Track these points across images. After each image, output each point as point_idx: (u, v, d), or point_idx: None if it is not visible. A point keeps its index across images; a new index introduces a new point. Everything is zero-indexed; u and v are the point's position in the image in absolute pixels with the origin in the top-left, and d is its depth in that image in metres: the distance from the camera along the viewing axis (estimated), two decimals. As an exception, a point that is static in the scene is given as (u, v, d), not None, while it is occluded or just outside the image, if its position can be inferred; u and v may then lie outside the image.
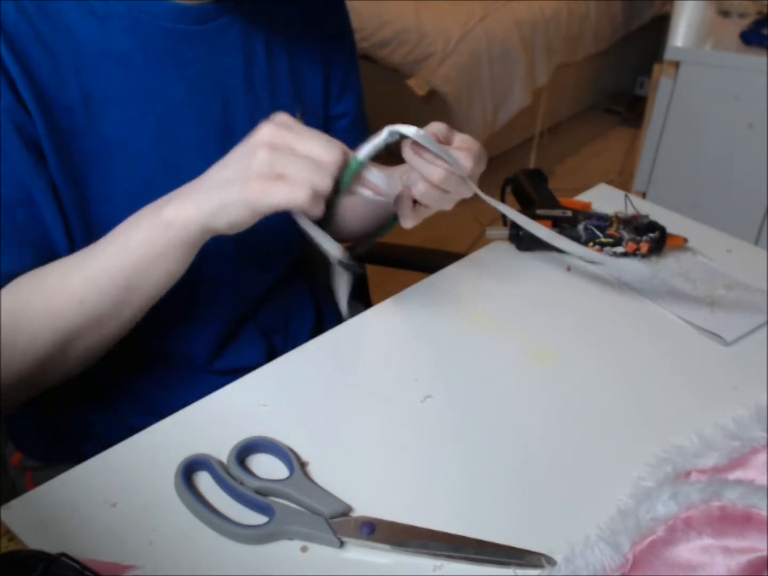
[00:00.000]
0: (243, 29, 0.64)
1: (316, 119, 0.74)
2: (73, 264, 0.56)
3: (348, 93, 0.78)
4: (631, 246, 0.74)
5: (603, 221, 0.75)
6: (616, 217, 0.76)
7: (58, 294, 0.55)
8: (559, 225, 0.76)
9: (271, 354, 0.74)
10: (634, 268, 0.75)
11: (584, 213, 0.77)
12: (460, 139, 0.60)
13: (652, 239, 0.74)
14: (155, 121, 0.60)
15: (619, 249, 0.74)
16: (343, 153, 0.51)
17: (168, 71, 0.60)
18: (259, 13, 0.66)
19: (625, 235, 0.74)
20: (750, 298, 0.71)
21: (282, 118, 0.52)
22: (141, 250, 0.53)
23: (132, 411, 0.69)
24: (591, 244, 0.75)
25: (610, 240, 0.74)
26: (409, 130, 0.54)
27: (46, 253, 0.58)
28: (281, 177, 0.49)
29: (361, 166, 0.54)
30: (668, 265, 0.76)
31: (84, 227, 0.60)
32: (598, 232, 0.74)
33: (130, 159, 0.59)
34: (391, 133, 0.55)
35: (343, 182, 0.55)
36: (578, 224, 0.75)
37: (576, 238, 0.74)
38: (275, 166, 0.49)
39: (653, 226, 0.75)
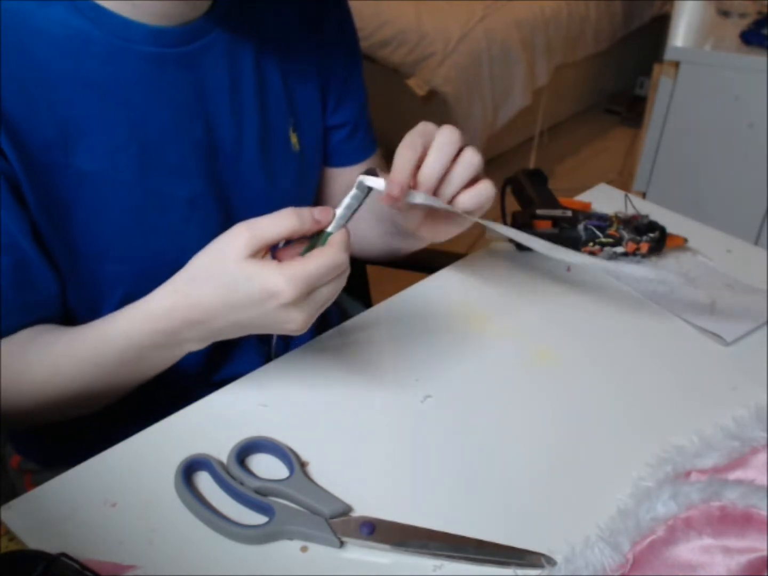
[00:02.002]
0: (228, 46, 0.62)
1: (312, 132, 0.72)
2: (82, 354, 0.56)
3: (346, 102, 0.75)
4: (631, 246, 0.74)
5: (603, 221, 0.75)
6: (616, 217, 0.76)
7: (62, 373, 0.57)
8: (559, 225, 0.76)
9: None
10: (633, 270, 0.75)
11: (584, 213, 0.77)
12: (442, 135, 0.56)
13: (652, 239, 0.74)
14: (138, 149, 0.58)
15: (619, 249, 0.74)
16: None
17: (149, 97, 0.58)
18: (249, 25, 0.64)
19: (625, 235, 0.74)
20: (750, 298, 0.71)
21: (297, 281, 0.48)
22: (153, 369, 0.58)
23: (131, 419, 0.69)
24: (591, 244, 0.75)
25: (610, 240, 0.74)
26: (378, 182, 0.51)
27: (39, 303, 0.59)
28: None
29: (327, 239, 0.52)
30: (668, 265, 0.76)
31: (70, 264, 0.59)
32: (598, 232, 0.74)
33: (113, 189, 0.58)
34: (361, 188, 0.52)
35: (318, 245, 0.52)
36: (578, 224, 0.75)
37: (576, 238, 0.74)
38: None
39: (653, 226, 0.75)
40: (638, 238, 0.74)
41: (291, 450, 0.53)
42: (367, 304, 1.01)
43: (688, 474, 0.52)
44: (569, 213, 0.76)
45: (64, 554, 0.43)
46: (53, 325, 0.60)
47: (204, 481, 0.51)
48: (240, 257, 0.48)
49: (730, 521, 0.47)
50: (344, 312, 0.91)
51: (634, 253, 0.75)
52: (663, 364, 0.64)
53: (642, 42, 2.93)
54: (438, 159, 0.56)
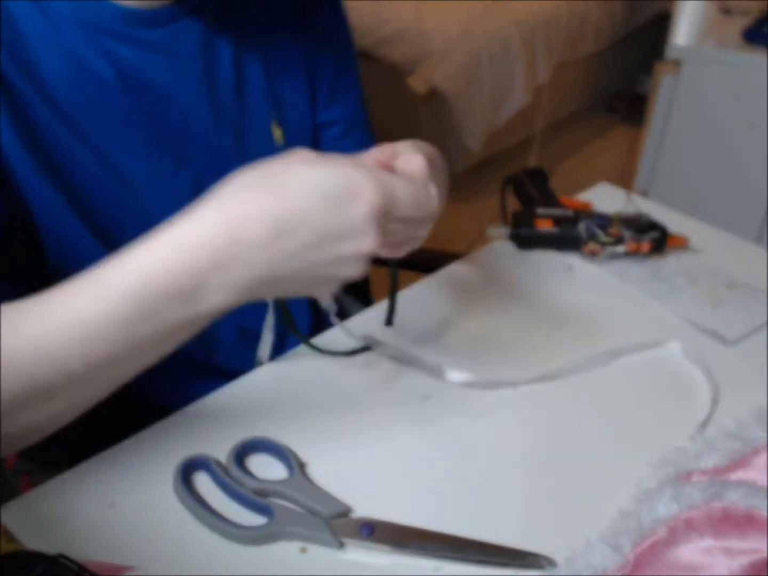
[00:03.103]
0: (205, 34, 0.61)
1: (300, 127, 0.71)
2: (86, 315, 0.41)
3: (338, 99, 0.73)
4: (633, 245, 0.74)
5: (603, 220, 0.75)
6: (617, 216, 0.76)
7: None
8: (559, 224, 0.75)
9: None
10: (633, 269, 0.75)
11: (585, 212, 0.77)
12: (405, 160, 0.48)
13: (654, 239, 0.74)
14: (102, 130, 0.57)
15: (621, 248, 0.74)
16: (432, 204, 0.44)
17: (114, 78, 0.57)
18: (229, 15, 0.63)
19: (627, 234, 0.73)
20: (751, 297, 0.71)
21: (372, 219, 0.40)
22: (169, 337, 0.43)
23: (130, 420, 0.69)
24: (592, 243, 0.74)
25: (611, 239, 0.74)
26: None
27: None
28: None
29: None
30: (669, 265, 0.75)
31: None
32: (599, 231, 0.74)
33: (82, 164, 0.57)
34: None
35: None
36: (579, 223, 0.75)
37: (576, 237, 0.74)
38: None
39: (654, 226, 0.75)
40: (640, 237, 0.74)
41: (290, 450, 0.53)
42: (367, 303, 1.00)
43: (689, 475, 0.52)
44: (570, 212, 0.76)
45: (62, 555, 0.42)
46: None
47: (203, 481, 0.51)
48: (311, 158, 0.40)
49: (732, 522, 0.47)
50: (344, 311, 0.91)
51: (635, 253, 0.75)
52: (663, 364, 0.64)
53: (643, 40, 2.93)
54: None
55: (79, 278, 0.41)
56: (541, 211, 0.77)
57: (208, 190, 0.45)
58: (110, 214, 0.60)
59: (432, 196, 0.44)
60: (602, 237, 0.74)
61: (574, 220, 0.75)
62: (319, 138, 0.75)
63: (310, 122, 0.73)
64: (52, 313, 0.41)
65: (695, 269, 0.75)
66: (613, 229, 0.74)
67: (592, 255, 0.75)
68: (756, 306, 0.69)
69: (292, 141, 0.70)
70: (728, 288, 0.72)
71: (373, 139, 0.80)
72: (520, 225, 0.76)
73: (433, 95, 2.24)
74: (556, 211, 0.76)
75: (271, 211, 0.39)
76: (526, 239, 0.76)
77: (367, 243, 0.40)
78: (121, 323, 0.40)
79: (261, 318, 0.73)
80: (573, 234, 0.75)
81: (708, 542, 0.46)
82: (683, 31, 1.63)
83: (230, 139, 0.65)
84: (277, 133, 0.69)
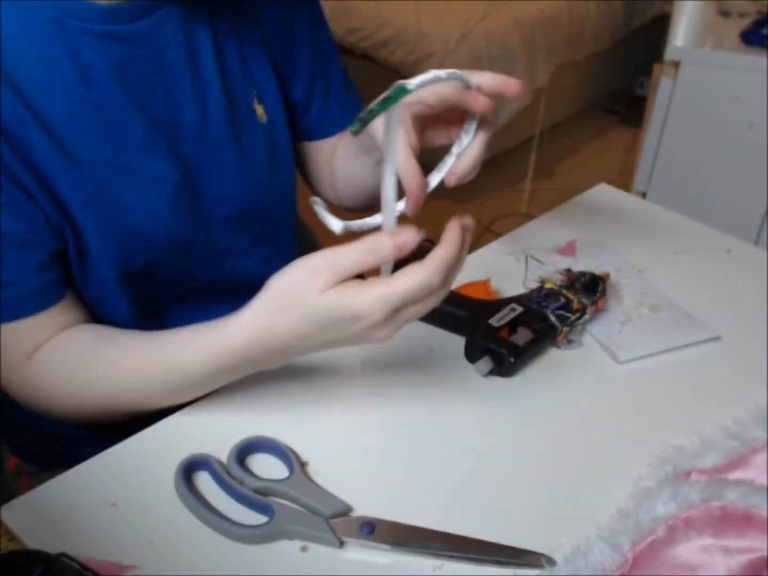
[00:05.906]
0: (183, 21, 0.62)
1: (275, 103, 0.71)
2: (152, 375, 0.56)
3: (301, 77, 0.73)
4: (593, 310, 0.67)
5: (556, 300, 0.65)
6: (568, 287, 0.67)
7: (129, 389, 0.57)
8: (533, 328, 0.63)
9: None
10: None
11: (527, 296, 0.66)
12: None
13: (602, 292, 0.67)
14: (102, 125, 0.58)
15: (586, 317, 0.66)
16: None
17: (105, 75, 0.58)
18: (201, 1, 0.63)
19: (586, 302, 0.66)
20: (668, 323, 0.68)
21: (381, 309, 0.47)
22: (212, 388, 0.57)
23: (130, 420, 0.69)
24: (566, 329, 0.64)
25: (578, 315, 0.65)
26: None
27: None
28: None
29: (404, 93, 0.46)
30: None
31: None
32: (567, 314, 0.64)
33: (84, 166, 0.58)
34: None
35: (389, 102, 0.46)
36: (545, 311, 0.64)
37: (552, 329, 0.63)
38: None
39: (594, 278, 0.68)
40: (594, 298, 0.67)
41: (291, 450, 0.53)
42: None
43: (688, 474, 0.52)
44: (519, 309, 0.65)
45: (63, 554, 0.43)
46: (113, 331, 0.61)
47: (204, 481, 0.51)
48: (323, 290, 0.47)
49: (731, 521, 0.47)
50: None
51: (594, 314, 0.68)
52: (663, 364, 0.64)
53: (642, 42, 2.93)
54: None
55: (188, 338, 0.56)
56: (494, 322, 0.63)
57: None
58: (114, 209, 0.61)
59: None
60: (571, 317, 0.65)
61: (540, 313, 0.64)
62: (299, 116, 0.76)
63: (281, 98, 0.72)
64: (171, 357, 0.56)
65: (630, 286, 0.72)
66: (575, 305, 0.65)
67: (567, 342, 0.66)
68: (668, 331, 0.66)
69: (272, 117, 0.71)
70: (651, 309, 0.69)
71: (356, 101, 0.79)
72: (499, 352, 0.61)
73: (433, 97, 2.24)
74: (508, 314, 0.64)
75: (296, 327, 0.50)
76: (514, 364, 0.62)
77: (374, 341, 0.49)
78: (201, 385, 0.56)
79: None
80: (550, 332, 0.64)
81: (707, 541, 0.46)
82: (682, 33, 1.64)
83: (222, 124, 0.65)
84: (260, 111, 0.69)
